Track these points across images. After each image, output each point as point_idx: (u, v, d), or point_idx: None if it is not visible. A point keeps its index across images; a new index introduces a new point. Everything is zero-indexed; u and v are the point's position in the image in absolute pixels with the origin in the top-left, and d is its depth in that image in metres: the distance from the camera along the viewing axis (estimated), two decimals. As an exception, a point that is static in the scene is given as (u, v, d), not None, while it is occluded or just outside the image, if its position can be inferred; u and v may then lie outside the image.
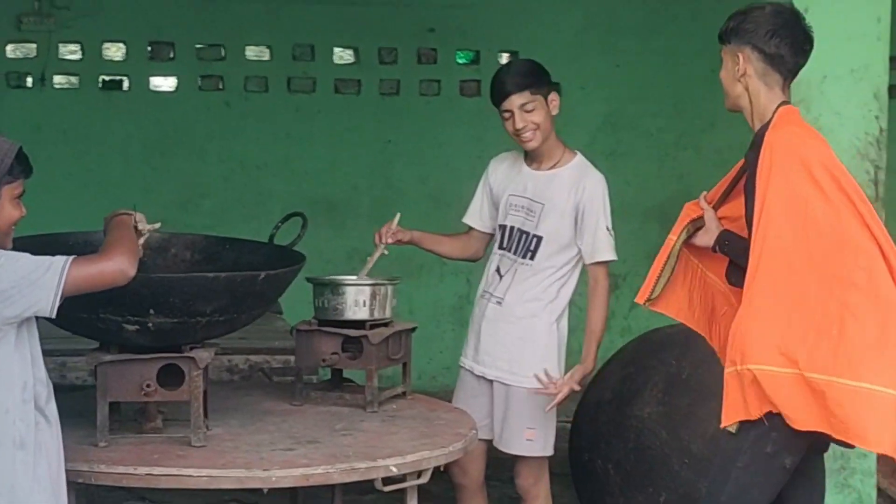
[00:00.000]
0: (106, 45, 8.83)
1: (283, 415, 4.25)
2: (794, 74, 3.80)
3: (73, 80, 8.81)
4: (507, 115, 4.58)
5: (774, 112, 3.72)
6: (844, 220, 3.52)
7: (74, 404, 4.06)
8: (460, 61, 9.19)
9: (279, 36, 8.93)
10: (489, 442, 4.72)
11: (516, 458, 4.71)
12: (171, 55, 8.85)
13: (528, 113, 4.54)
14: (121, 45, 8.85)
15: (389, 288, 4.46)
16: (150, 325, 3.65)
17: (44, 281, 3.19)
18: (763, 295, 3.56)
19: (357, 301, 4.36)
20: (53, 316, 3.24)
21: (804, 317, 3.51)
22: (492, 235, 4.81)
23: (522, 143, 4.63)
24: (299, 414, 4.27)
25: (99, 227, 3.78)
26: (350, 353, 4.36)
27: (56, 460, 3.40)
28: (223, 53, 8.92)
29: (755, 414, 3.56)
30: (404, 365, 4.55)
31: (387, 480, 3.77)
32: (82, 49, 8.75)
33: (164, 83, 8.96)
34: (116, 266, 3.26)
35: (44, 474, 3.33)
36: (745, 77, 3.74)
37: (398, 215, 4.69)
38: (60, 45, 8.71)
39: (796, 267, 3.54)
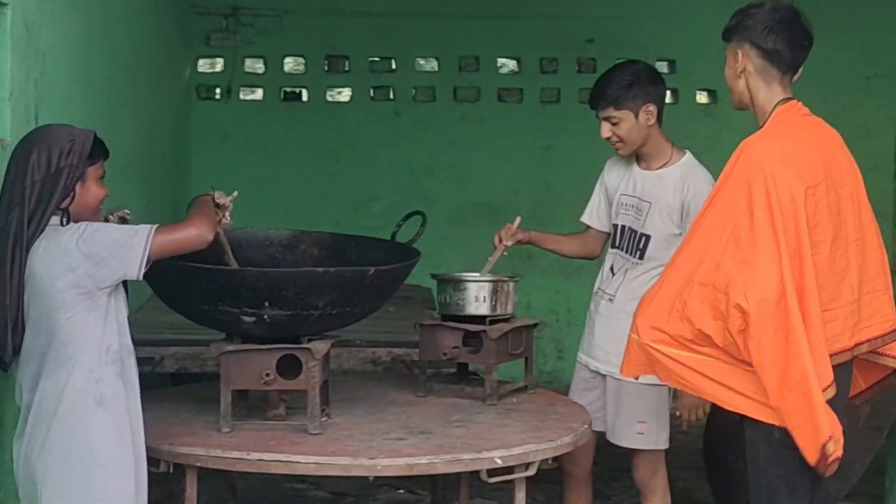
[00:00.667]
0: (287, 59, 8.87)
1: (405, 405, 4.11)
2: (794, 71, 3.59)
3: (257, 92, 8.89)
4: (598, 119, 4.45)
5: (773, 110, 3.54)
6: (760, 250, 3.33)
7: (213, 392, 4.01)
8: (618, 70, 8.93)
9: (446, 48, 8.85)
10: (601, 434, 4.49)
11: (633, 452, 4.49)
12: (346, 68, 8.86)
13: (614, 126, 4.38)
14: (300, 59, 8.90)
15: (511, 284, 4.28)
16: (265, 317, 3.56)
17: (132, 244, 3.20)
18: (669, 279, 3.50)
19: (478, 297, 4.20)
20: (140, 279, 3.24)
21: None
22: (608, 234, 4.60)
23: (615, 150, 4.50)
24: (420, 405, 4.13)
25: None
26: (471, 348, 4.20)
27: (138, 427, 3.36)
28: (394, 66, 8.89)
29: (634, 372, 3.63)
30: (526, 360, 4.36)
31: (496, 472, 3.59)
32: (265, 63, 8.83)
33: (339, 94, 8.96)
34: (196, 231, 3.30)
35: (128, 437, 3.30)
36: (745, 74, 3.57)
37: (518, 218, 4.52)
38: (246, 59, 8.81)
39: (702, 269, 3.40)
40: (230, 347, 3.66)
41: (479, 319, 4.19)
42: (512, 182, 8.76)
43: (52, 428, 3.22)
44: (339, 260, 4.06)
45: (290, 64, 8.90)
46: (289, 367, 3.67)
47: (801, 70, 3.61)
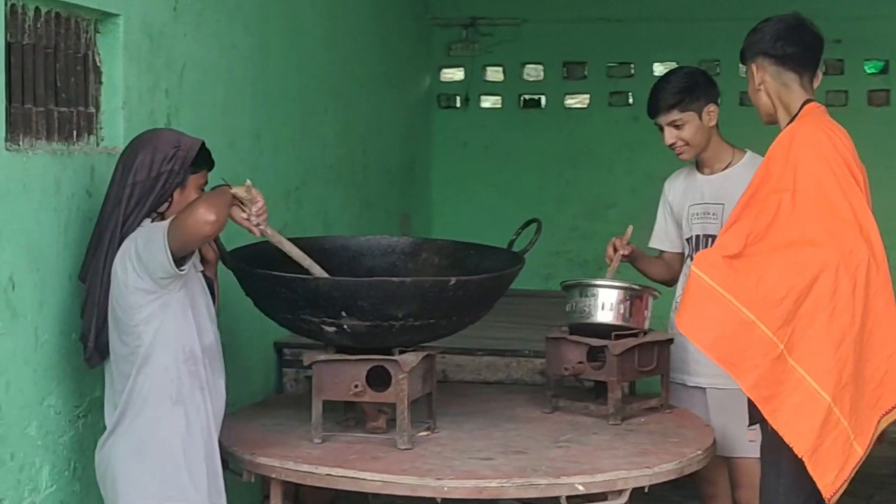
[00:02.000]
0: (525, 66, 8.65)
1: (522, 422, 3.80)
2: (811, 72, 3.56)
3: (496, 99, 8.70)
4: (659, 128, 4.14)
5: (800, 109, 3.49)
6: (855, 205, 3.30)
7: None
8: (869, 71, 8.19)
9: (686, 52, 8.31)
10: None
11: (736, 471, 4.04)
12: (584, 74, 8.54)
13: (678, 129, 4.07)
14: (539, 66, 8.64)
15: (648, 298, 3.90)
16: (345, 326, 3.35)
17: (157, 240, 3.07)
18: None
19: (604, 304, 3.84)
20: (178, 273, 3.09)
21: None
22: (682, 254, 4.24)
23: (677, 156, 4.14)
24: (538, 422, 3.81)
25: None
26: (597, 363, 3.85)
27: (213, 428, 3.24)
28: (632, 70, 8.49)
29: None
30: (662, 377, 3.96)
31: (585, 498, 3.25)
32: (504, 71, 8.63)
33: (577, 100, 8.65)
34: (193, 214, 3.03)
35: (198, 435, 3.18)
36: (764, 85, 3.55)
37: (630, 228, 4.14)
38: (486, 68, 8.65)
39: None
40: (321, 357, 3.48)
41: (606, 332, 3.83)
42: (753, 187, 8.18)
43: (134, 425, 3.16)
44: (457, 268, 3.81)
45: (528, 71, 8.66)
46: (381, 378, 3.45)
47: (820, 75, 3.58)
